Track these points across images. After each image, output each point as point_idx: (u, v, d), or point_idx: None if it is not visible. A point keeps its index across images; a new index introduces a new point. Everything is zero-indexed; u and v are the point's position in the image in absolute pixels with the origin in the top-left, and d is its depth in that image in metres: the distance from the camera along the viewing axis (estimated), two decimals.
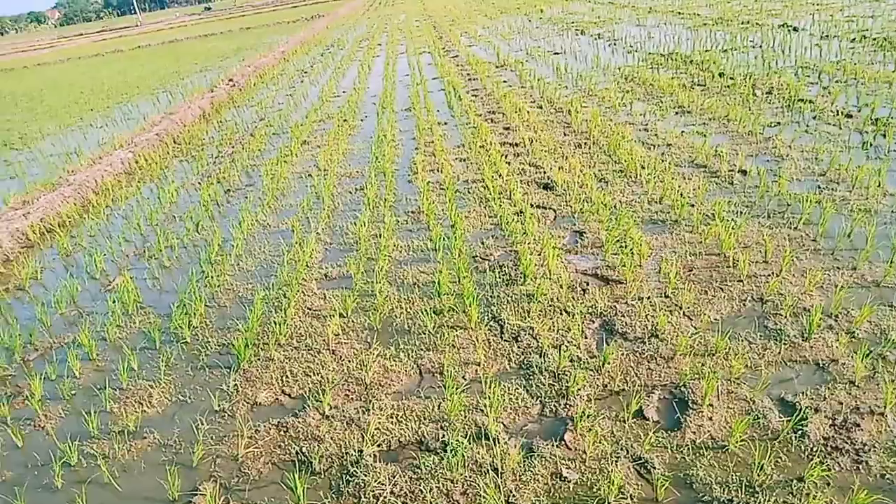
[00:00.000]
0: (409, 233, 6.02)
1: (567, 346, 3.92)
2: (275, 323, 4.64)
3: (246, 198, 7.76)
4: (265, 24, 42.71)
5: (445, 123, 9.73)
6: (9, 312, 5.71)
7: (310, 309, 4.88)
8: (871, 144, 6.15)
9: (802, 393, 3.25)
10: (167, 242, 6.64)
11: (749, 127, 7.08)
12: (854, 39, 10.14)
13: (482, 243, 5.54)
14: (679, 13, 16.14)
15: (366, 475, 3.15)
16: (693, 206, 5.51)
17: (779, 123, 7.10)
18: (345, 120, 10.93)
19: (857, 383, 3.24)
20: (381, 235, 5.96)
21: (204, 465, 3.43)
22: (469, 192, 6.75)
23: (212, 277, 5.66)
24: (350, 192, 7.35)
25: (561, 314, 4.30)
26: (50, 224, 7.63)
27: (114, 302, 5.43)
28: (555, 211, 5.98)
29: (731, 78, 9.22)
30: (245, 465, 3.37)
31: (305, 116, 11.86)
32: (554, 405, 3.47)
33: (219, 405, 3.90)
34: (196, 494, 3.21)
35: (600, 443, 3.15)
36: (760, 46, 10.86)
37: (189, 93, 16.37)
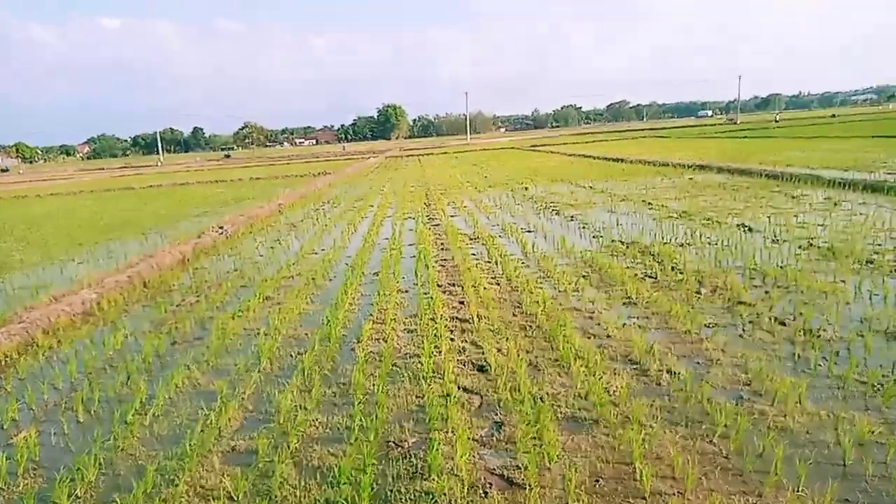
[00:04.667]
0: (332, 407, 5.90)
1: None
2: (160, 500, 4.39)
3: (188, 352, 7.71)
4: (275, 177, 45.22)
5: (406, 291, 9.92)
6: None
7: (202, 487, 4.64)
8: (799, 356, 6.22)
9: None
10: (90, 394, 6.48)
11: (687, 325, 7.20)
12: (801, 246, 10.66)
13: (400, 426, 5.40)
14: (649, 204, 17.11)
15: None
16: (616, 405, 5.45)
17: (716, 325, 7.24)
18: (313, 279, 11.17)
19: None
20: (303, 408, 5.83)
21: None
22: (406, 368, 6.71)
23: (118, 440, 5.44)
24: (290, 356, 7.31)
25: None
26: None
27: (8, 458, 5.18)
28: (482, 397, 5.90)
29: (682, 272, 9.56)
30: None
31: (277, 271, 12.14)
32: None
33: None
34: None
35: None
36: (716, 244, 11.38)
37: (177, 236, 16.90)
